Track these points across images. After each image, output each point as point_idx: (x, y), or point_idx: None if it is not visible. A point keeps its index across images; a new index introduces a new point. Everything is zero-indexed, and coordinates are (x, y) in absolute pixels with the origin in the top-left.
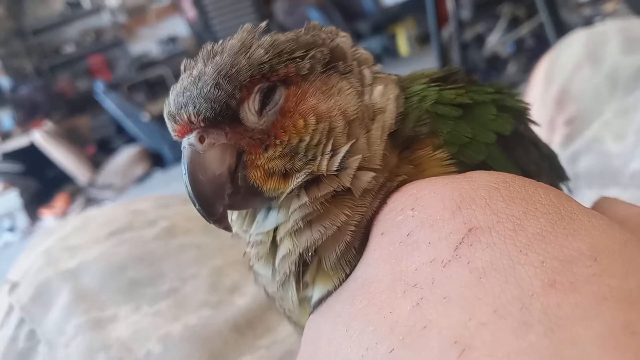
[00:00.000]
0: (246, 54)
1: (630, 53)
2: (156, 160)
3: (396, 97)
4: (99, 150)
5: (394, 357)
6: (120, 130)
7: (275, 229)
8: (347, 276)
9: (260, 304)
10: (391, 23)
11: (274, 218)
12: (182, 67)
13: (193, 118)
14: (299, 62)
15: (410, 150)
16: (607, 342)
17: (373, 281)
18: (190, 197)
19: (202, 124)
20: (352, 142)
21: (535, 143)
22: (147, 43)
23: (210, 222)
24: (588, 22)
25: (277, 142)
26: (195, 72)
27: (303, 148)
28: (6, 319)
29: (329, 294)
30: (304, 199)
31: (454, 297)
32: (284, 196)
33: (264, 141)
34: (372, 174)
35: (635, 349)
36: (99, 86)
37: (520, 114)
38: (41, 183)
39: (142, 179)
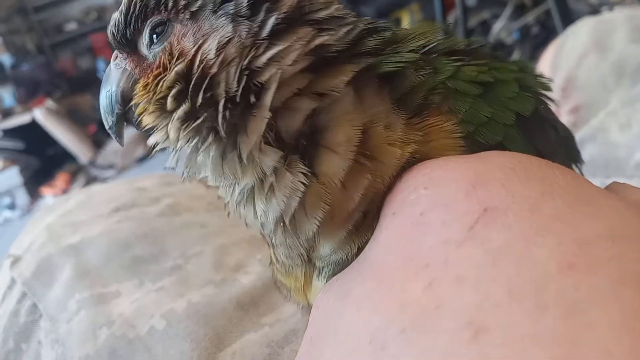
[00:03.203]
0: None
1: (637, 42)
2: None
3: (283, 72)
4: (100, 130)
5: (406, 337)
6: None
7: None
8: (358, 251)
9: (265, 283)
10: (396, 8)
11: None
12: None
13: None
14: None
15: (420, 117)
16: (624, 327)
17: (384, 261)
18: None
19: (113, 48)
20: (186, 105)
21: (554, 124)
22: None
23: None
24: (595, 10)
25: (149, 77)
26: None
27: (159, 90)
28: (8, 293)
29: (341, 264)
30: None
31: (468, 278)
32: (151, 133)
33: (145, 74)
34: (280, 152)
35: None
36: (101, 65)
37: (541, 95)
38: (42, 161)
39: (143, 159)
